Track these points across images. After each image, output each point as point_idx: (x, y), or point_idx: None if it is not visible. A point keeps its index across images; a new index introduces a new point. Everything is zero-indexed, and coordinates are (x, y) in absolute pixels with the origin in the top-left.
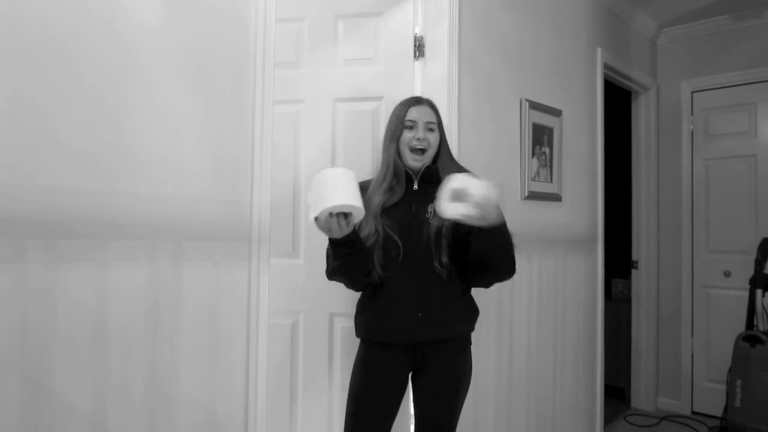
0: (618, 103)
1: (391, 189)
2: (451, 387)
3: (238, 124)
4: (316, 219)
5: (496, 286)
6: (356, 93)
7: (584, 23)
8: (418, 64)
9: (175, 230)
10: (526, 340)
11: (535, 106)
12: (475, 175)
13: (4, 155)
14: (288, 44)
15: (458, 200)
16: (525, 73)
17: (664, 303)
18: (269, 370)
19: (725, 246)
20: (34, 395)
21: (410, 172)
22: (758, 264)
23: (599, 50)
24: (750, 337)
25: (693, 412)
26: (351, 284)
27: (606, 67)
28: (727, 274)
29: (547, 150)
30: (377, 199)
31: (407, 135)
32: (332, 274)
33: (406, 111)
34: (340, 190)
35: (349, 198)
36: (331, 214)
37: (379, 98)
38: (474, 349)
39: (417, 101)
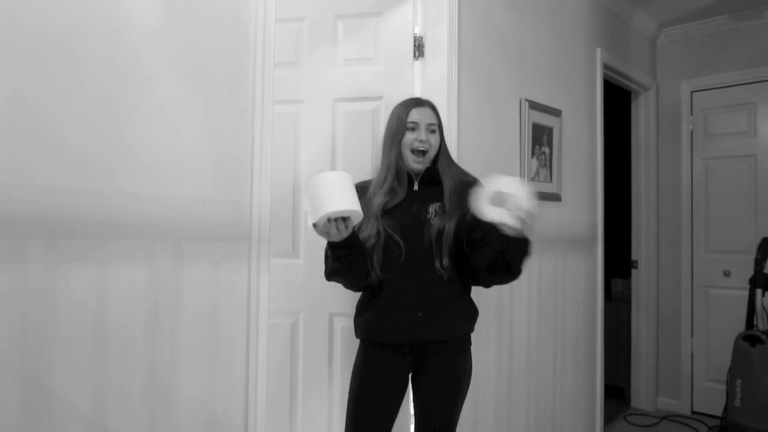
0: (618, 103)
1: (392, 190)
2: (451, 387)
3: (238, 124)
4: (315, 225)
5: (496, 287)
6: (356, 93)
7: (584, 23)
8: (417, 64)
9: (175, 230)
10: (526, 340)
11: (534, 105)
12: (520, 181)
13: (4, 155)
14: (288, 44)
15: (501, 205)
16: (524, 73)
17: (664, 303)
18: (269, 370)
19: (725, 246)
20: (34, 395)
21: (411, 173)
22: (758, 264)
23: (599, 50)
24: (750, 337)
25: (693, 412)
26: (350, 285)
27: (605, 67)
28: (726, 274)
29: (546, 150)
30: (378, 200)
31: (409, 137)
32: (331, 275)
33: (408, 112)
34: (338, 194)
35: (347, 202)
36: (329, 219)
37: (378, 98)
38: (474, 349)
39: (418, 102)
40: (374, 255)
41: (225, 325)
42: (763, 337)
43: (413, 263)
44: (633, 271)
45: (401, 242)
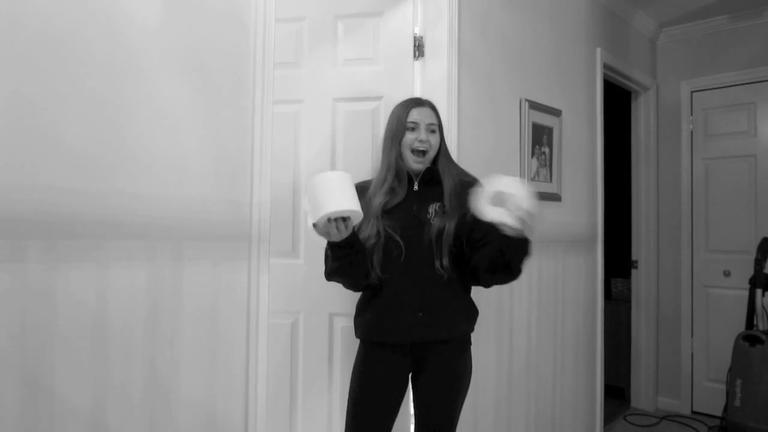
0: (618, 103)
1: (392, 190)
2: (451, 387)
3: (238, 124)
4: (315, 225)
5: (496, 287)
6: (356, 93)
7: (584, 23)
8: (417, 64)
9: (175, 230)
10: (525, 340)
11: (534, 105)
12: (520, 181)
13: (4, 155)
14: (288, 44)
15: (501, 205)
16: (524, 73)
17: (664, 303)
18: (269, 370)
19: (725, 246)
20: (34, 395)
21: (411, 173)
22: (758, 263)
23: (599, 50)
24: (750, 337)
25: (693, 412)
26: (349, 285)
27: (605, 66)
28: (726, 274)
29: (546, 150)
30: (378, 201)
31: (409, 137)
32: (331, 275)
33: (408, 112)
34: (338, 194)
35: (347, 203)
36: (329, 220)
37: (378, 98)
38: (474, 349)
39: (418, 102)
40: (374, 255)
41: (225, 325)
42: (763, 337)
43: (413, 263)
44: (633, 271)
45: (401, 242)
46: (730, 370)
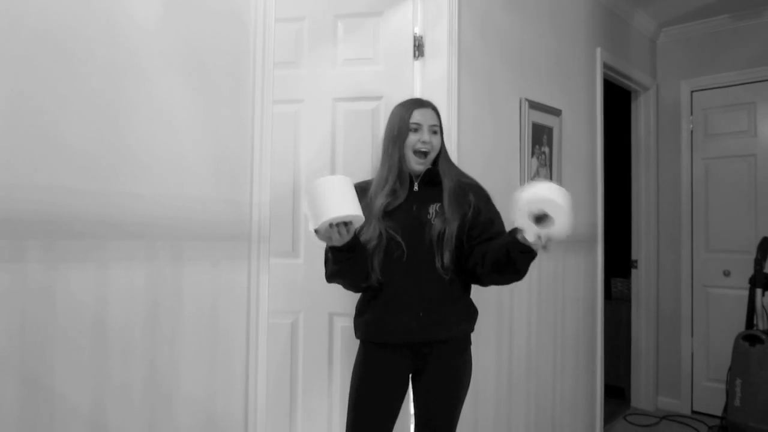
0: (617, 102)
1: (394, 192)
2: (451, 387)
3: (238, 123)
4: (316, 230)
5: (496, 286)
6: (356, 93)
7: (584, 23)
8: (417, 63)
9: (175, 230)
10: (525, 339)
11: (534, 105)
12: (558, 195)
13: (4, 155)
14: (288, 44)
15: (539, 222)
16: (524, 73)
17: (664, 302)
18: (269, 369)
19: (725, 245)
20: (34, 395)
21: (411, 174)
22: (758, 263)
23: (599, 50)
24: (750, 337)
25: (693, 412)
26: (350, 286)
27: (605, 66)
28: (726, 274)
29: (546, 149)
30: (380, 202)
31: (412, 138)
32: (331, 277)
33: (411, 113)
34: (340, 200)
35: (349, 208)
36: (331, 225)
37: (378, 98)
38: (474, 349)
39: (420, 104)
40: (375, 257)
41: (225, 324)
42: (763, 336)
43: (414, 264)
44: (633, 270)
45: (403, 243)
46: (730, 369)
